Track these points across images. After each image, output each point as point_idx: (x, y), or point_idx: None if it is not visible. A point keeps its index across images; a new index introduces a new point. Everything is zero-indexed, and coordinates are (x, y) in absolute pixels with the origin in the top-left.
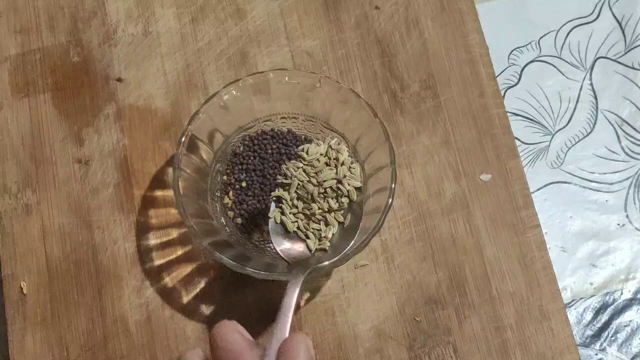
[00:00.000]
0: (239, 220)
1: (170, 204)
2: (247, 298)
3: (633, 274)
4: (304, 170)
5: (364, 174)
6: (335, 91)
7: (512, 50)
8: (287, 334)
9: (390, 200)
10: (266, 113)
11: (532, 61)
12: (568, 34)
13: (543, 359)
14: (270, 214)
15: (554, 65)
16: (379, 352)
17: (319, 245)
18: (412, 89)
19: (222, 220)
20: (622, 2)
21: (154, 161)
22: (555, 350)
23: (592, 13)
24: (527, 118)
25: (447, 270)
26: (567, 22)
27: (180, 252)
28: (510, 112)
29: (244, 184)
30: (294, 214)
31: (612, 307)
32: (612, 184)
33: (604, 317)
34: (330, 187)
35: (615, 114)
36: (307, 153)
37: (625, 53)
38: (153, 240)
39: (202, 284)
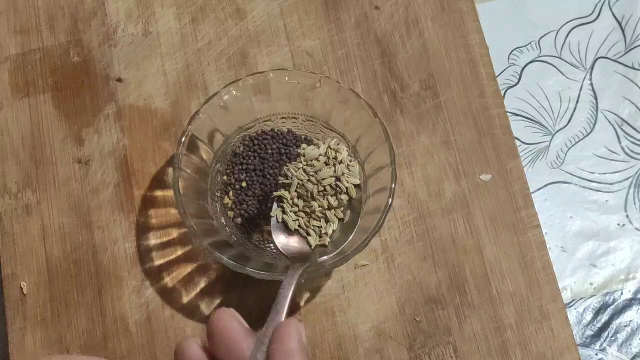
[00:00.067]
0: (239, 220)
1: (170, 204)
2: (247, 298)
3: (633, 274)
4: (304, 170)
5: (363, 174)
6: (335, 91)
7: (512, 50)
8: (282, 320)
9: (390, 200)
10: (266, 113)
11: (532, 61)
12: (568, 34)
13: (543, 359)
14: (272, 213)
15: (554, 65)
16: (379, 352)
17: (319, 241)
18: (412, 89)
19: (222, 220)
20: (622, 2)
21: (154, 161)
22: (555, 350)
23: (592, 13)
24: (527, 118)
25: (447, 270)
26: (567, 22)
27: (180, 252)
28: (510, 112)
29: (244, 184)
30: (294, 213)
31: (612, 307)
32: (612, 184)
33: (604, 317)
34: (329, 185)
35: (615, 114)
36: (304, 155)
37: (625, 53)
38: (153, 240)
39: (202, 284)
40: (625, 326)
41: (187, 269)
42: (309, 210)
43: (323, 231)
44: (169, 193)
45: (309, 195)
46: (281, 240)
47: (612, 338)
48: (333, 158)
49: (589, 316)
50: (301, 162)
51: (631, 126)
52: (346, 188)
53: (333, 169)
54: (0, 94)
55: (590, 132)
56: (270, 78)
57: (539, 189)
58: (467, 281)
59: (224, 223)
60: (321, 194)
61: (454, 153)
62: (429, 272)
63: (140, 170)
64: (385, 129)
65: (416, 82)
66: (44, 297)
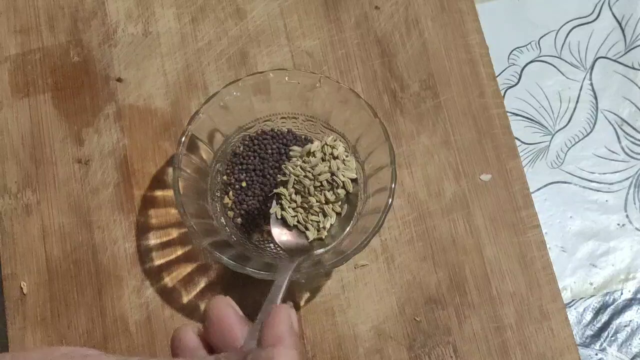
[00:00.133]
0: (239, 220)
1: (170, 204)
2: (247, 298)
3: (633, 274)
4: (301, 167)
5: (363, 174)
6: (335, 91)
7: (512, 50)
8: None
9: (390, 200)
10: (266, 113)
11: (532, 61)
12: (568, 34)
13: (543, 359)
14: (271, 210)
15: (554, 65)
16: (379, 352)
17: (317, 235)
18: (412, 89)
19: (222, 220)
20: (622, 2)
21: (154, 161)
22: (555, 350)
23: (592, 13)
24: (527, 118)
25: (447, 270)
26: (567, 22)
27: (180, 252)
28: (510, 112)
29: (244, 184)
30: (293, 208)
31: (612, 307)
32: (612, 184)
33: (604, 317)
34: (326, 180)
35: (615, 114)
36: (297, 157)
37: (625, 53)
38: (153, 240)
39: (202, 284)
40: (625, 326)
41: (187, 269)
42: (307, 206)
43: (321, 225)
44: (169, 193)
45: (306, 191)
46: (280, 235)
47: (612, 338)
48: (329, 154)
49: (589, 316)
50: (298, 160)
51: (631, 126)
52: (343, 182)
53: (329, 164)
54: (0, 94)
55: (590, 132)
56: (270, 78)
57: (539, 189)
58: (467, 281)
59: (224, 223)
60: (318, 189)
61: (454, 153)
62: (429, 272)
63: (140, 170)
64: (385, 129)
65: (416, 82)
66: (44, 297)
